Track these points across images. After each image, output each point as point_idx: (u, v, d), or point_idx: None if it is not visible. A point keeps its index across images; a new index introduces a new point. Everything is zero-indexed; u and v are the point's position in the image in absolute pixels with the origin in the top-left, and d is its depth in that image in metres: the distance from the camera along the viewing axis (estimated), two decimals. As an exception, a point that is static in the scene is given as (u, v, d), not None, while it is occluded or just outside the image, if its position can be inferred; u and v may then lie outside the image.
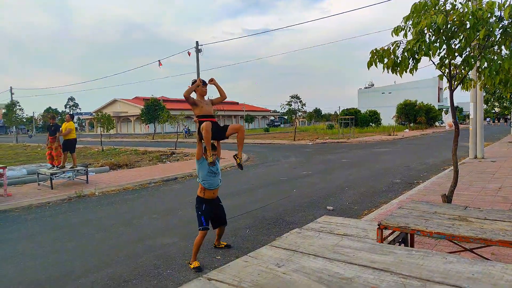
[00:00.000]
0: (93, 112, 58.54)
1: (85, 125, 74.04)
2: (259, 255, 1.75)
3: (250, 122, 70.27)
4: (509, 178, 8.29)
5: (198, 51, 22.14)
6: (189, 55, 22.49)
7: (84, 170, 9.91)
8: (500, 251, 4.00)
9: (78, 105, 71.60)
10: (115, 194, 8.72)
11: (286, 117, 53.47)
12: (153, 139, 38.17)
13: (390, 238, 3.31)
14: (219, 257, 4.42)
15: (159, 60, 24.33)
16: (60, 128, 9.86)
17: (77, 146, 10.74)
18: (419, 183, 8.69)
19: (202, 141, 4.30)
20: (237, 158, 4.48)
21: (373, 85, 70.46)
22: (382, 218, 3.19)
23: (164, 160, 16.17)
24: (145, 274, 4.00)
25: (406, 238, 3.65)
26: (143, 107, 44.66)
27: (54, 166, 9.86)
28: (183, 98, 4.47)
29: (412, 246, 3.74)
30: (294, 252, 1.76)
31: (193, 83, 4.62)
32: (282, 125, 79.68)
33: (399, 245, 3.57)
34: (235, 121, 75.77)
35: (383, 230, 2.98)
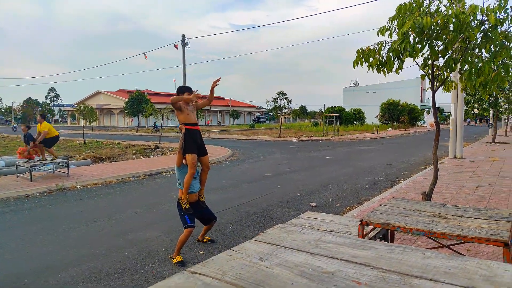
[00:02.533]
0: (75, 104, 57.27)
1: (66, 117, 72.43)
2: (242, 249, 1.77)
3: (236, 118, 70.17)
4: (486, 178, 8.55)
5: (184, 44, 21.91)
6: (176, 48, 22.23)
7: (65, 163, 9.71)
8: (475, 247, 4.14)
9: (59, 96, 70.03)
10: (97, 188, 8.59)
11: (272, 113, 53.56)
12: (137, 132, 37.68)
13: (371, 234, 3.38)
14: (202, 252, 4.42)
15: (144, 53, 23.98)
16: (35, 136, 9.50)
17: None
18: (401, 181, 8.87)
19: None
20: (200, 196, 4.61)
21: (358, 84, 71.27)
22: (363, 215, 3.25)
23: (148, 154, 16.00)
24: (127, 268, 3.97)
25: (386, 234, 3.73)
26: (127, 100, 43.95)
27: (30, 159, 9.58)
28: (168, 92, 4.44)
29: (392, 242, 3.83)
30: (277, 247, 1.79)
31: (182, 91, 4.56)
32: (268, 122, 79.85)
33: (380, 241, 3.66)
34: (220, 116, 75.53)
35: (365, 226, 3.04)
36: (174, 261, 4.09)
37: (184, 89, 4.61)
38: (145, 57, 24.78)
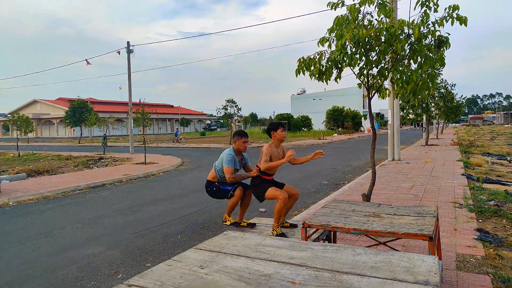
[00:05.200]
0: (8, 114, 52.75)
1: (-3, 127, 66.47)
2: (183, 258, 1.77)
3: (186, 126, 69.04)
4: (419, 178, 9.26)
5: (129, 51, 21.22)
6: (118, 54, 21.45)
7: (-4, 178, 8.92)
8: (409, 242, 4.46)
9: (-11, 105, 63.93)
10: (33, 204, 7.98)
11: (222, 121, 53.50)
12: (79, 143, 35.60)
13: (314, 236, 3.53)
14: (148, 265, 4.29)
15: (86, 60, 22.85)
16: None
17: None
18: (345, 183, 9.31)
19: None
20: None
21: (305, 91, 73.67)
22: (308, 217, 3.39)
23: (91, 165, 15.19)
24: (66, 288, 3.74)
25: (330, 235, 3.91)
26: (68, 109, 41.43)
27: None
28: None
29: (335, 242, 4.01)
30: (218, 253, 1.81)
31: (276, 124, 4.66)
32: (219, 129, 79.55)
33: (324, 242, 3.82)
34: (169, 124, 73.87)
35: (307, 228, 3.16)
36: (228, 223, 4.55)
37: (276, 125, 4.63)
38: (88, 63, 23.63)
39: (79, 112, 39.28)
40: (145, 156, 15.31)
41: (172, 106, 78.16)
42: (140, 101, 17.35)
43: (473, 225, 5.09)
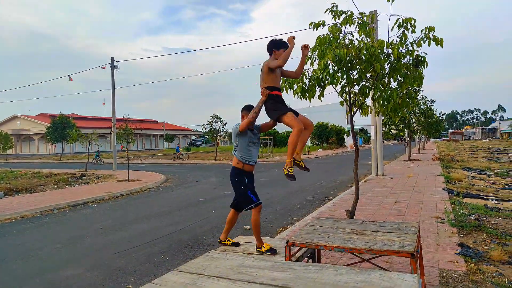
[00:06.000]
0: (-13, 130, 51.32)
1: (-25, 144, 64.55)
2: (163, 282, 1.73)
3: (171, 142, 68.50)
4: (402, 193, 9.39)
5: (113, 67, 21.11)
6: (103, 68, 21.31)
7: (-29, 197, 8.60)
8: (393, 259, 4.48)
9: (-34, 121, 62.20)
10: (10, 224, 7.71)
11: (207, 136, 53.39)
12: (60, 160, 34.82)
13: (299, 254, 3.51)
14: (130, 286, 4.17)
15: (69, 75, 22.60)
16: None
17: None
18: (330, 199, 9.35)
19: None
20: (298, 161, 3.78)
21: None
22: (292, 235, 3.37)
23: (73, 183, 14.84)
24: (42, 313, 3.59)
25: (314, 253, 3.90)
26: (49, 124, 40.61)
27: None
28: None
29: (319, 260, 4.00)
30: (199, 276, 1.78)
31: (279, 43, 3.81)
32: (204, 145, 79.19)
33: (307, 260, 3.80)
34: (154, 140, 73.13)
35: (291, 247, 3.15)
36: (264, 249, 3.59)
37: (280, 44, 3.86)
38: (70, 79, 23.34)
39: (61, 128, 38.58)
40: (128, 173, 15.06)
41: (156, 122, 77.63)
42: (123, 117, 17.18)
43: (455, 240, 5.16)
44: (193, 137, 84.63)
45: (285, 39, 3.89)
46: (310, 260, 3.83)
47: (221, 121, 29.02)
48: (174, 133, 75.76)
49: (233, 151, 4.16)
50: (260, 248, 3.74)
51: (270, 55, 3.90)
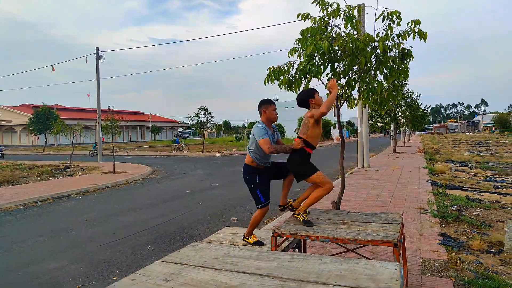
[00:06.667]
0: (-34, 121, 49.93)
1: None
2: (147, 272, 1.72)
3: (157, 134, 67.88)
4: (387, 185, 9.54)
5: (98, 58, 20.69)
6: (86, 62, 20.87)
7: (-50, 189, 8.37)
8: (377, 249, 4.57)
9: None
10: (-9, 216, 7.54)
11: (195, 128, 53.07)
12: (43, 151, 34.15)
13: (284, 244, 3.54)
14: (115, 278, 4.15)
15: (52, 65, 22.06)
16: None
17: None
18: (316, 191, 9.43)
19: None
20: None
21: (278, 99, 74.51)
22: (278, 226, 3.40)
23: (56, 175, 14.58)
24: (25, 306, 3.55)
25: (299, 244, 3.94)
26: (32, 115, 39.69)
27: None
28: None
29: (305, 250, 4.05)
30: (184, 266, 1.78)
31: (312, 91, 3.85)
32: (191, 137, 78.74)
33: (293, 250, 3.84)
34: (140, 132, 72.31)
35: (277, 237, 3.18)
36: (251, 241, 3.71)
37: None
38: (53, 69, 22.79)
39: (44, 119, 37.76)
40: (113, 165, 14.88)
41: (143, 114, 76.70)
42: (109, 108, 16.90)
43: (437, 230, 5.29)
44: (180, 129, 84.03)
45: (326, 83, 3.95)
46: (296, 250, 3.88)
47: (209, 113, 28.85)
48: (161, 125, 75.06)
49: (249, 149, 4.03)
50: (248, 238, 3.80)
51: (304, 106, 3.88)
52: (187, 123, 69.42)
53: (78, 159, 22.29)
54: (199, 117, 28.62)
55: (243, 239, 3.88)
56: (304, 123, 3.79)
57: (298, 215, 3.56)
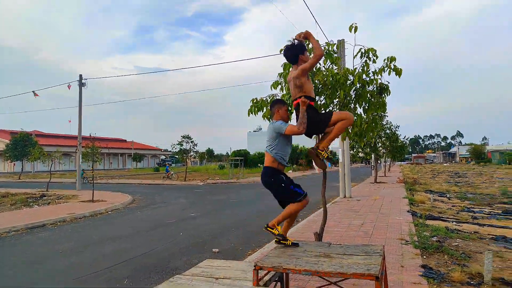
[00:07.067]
0: None
1: None
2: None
3: (139, 161, 66.84)
4: (369, 215, 9.61)
5: (81, 84, 20.59)
6: (68, 88, 20.73)
7: None
8: (360, 282, 4.54)
9: None
10: (-42, 248, 7.15)
11: (177, 156, 52.61)
12: (19, 179, 33.01)
13: (267, 278, 3.49)
14: (89, 315, 3.95)
15: (33, 91, 21.79)
16: None
17: None
18: (299, 221, 9.39)
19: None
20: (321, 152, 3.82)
21: (261, 129, 75.33)
22: (260, 258, 3.36)
23: (32, 204, 14.04)
24: None
25: (282, 277, 3.88)
26: (9, 141, 38.60)
27: None
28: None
29: (287, 283, 3.99)
30: (163, 303, 1.73)
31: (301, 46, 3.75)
32: (173, 165, 77.86)
33: (276, 284, 3.78)
34: (121, 159, 71.08)
35: (259, 270, 3.13)
36: (276, 231, 3.70)
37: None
38: (35, 95, 22.50)
39: (22, 145, 36.72)
40: (93, 193, 14.49)
41: (125, 141, 75.74)
42: (90, 135, 16.66)
43: (418, 261, 5.32)
44: (163, 157, 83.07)
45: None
46: (278, 284, 3.82)
47: (192, 141, 28.80)
48: (143, 152, 74.13)
49: (270, 150, 3.83)
50: (273, 228, 3.77)
51: (291, 60, 3.85)
52: (170, 151, 68.85)
53: (56, 187, 21.60)
54: (182, 145, 28.50)
55: (266, 228, 3.76)
56: (295, 85, 3.72)
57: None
